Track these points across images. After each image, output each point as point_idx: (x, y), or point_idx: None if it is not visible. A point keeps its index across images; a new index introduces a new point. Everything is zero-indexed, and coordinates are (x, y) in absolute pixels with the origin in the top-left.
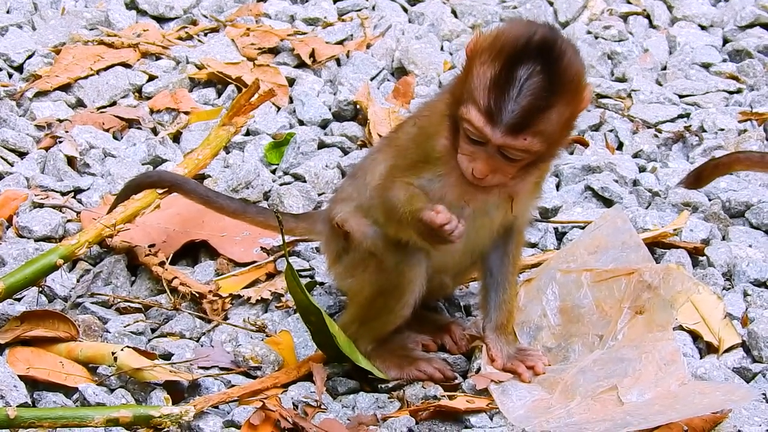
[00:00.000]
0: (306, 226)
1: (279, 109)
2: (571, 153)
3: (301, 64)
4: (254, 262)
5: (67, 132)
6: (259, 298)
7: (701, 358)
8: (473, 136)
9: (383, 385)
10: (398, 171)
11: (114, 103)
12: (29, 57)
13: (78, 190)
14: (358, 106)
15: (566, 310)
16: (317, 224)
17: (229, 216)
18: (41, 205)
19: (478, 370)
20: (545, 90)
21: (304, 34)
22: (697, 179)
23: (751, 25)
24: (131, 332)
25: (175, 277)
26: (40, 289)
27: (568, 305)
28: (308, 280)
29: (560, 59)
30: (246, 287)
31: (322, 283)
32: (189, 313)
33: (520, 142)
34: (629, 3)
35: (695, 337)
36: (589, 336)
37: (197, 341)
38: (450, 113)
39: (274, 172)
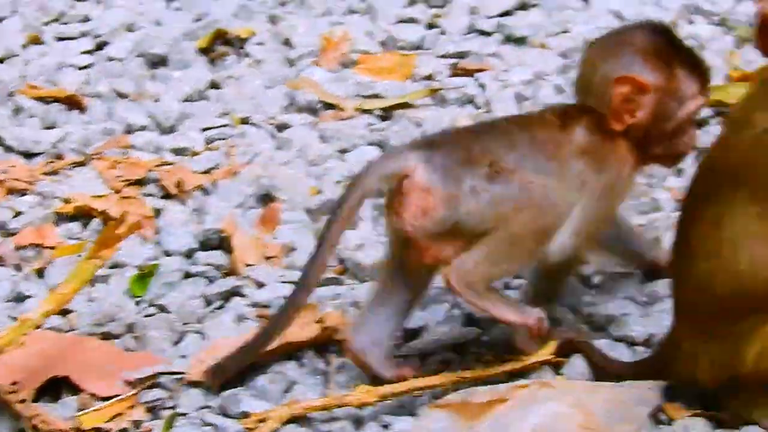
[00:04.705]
0: None
1: (145, 240)
2: None
3: (167, 195)
4: (117, 395)
5: None
6: (120, 429)
7: None
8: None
9: None
10: None
11: None
12: None
13: None
14: (224, 235)
15: None
16: None
17: None
18: None
19: None
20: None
21: (171, 164)
22: None
23: None
24: None
25: (37, 414)
26: None
27: None
28: (170, 411)
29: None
30: (108, 421)
31: (185, 414)
32: None
33: None
34: None
35: None
36: None
37: None
38: None
39: (138, 304)
